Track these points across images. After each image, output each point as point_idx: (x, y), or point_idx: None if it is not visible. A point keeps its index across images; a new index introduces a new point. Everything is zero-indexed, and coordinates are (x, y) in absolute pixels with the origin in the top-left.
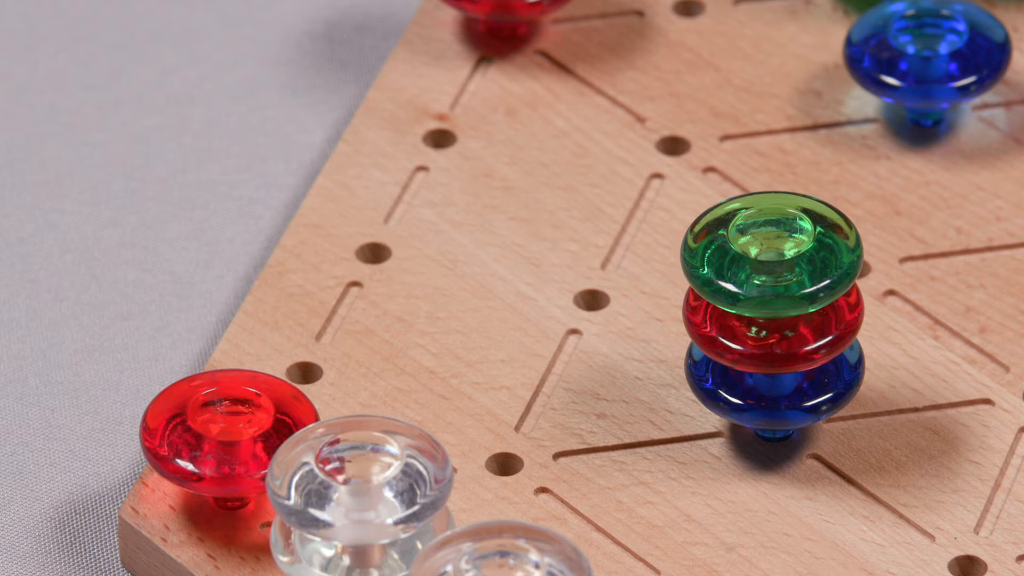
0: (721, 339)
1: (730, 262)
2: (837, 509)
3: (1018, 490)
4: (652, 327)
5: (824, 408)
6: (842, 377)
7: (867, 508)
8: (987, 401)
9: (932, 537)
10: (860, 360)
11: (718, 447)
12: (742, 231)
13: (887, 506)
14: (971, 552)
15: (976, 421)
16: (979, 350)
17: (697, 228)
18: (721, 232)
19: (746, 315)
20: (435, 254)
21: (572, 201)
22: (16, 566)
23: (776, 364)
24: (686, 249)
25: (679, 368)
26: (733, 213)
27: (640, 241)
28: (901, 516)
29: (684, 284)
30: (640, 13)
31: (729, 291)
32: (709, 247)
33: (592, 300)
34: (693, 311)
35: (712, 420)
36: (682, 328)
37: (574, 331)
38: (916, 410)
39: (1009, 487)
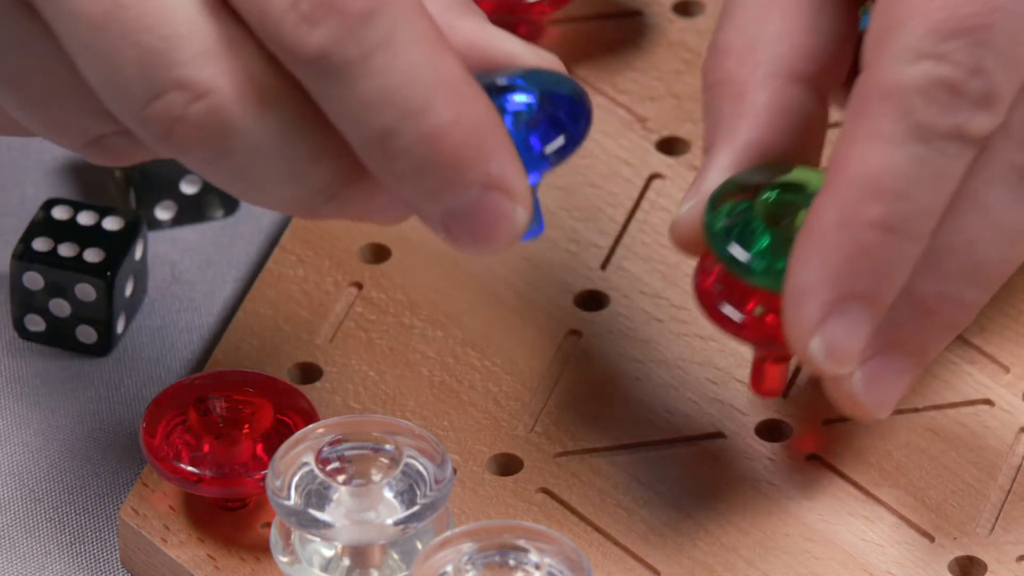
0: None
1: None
2: (837, 509)
3: (1018, 490)
4: (652, 327)
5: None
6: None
7: (867, 508)
8: (987, 401)
9: (932, 537)
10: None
11: (718, 447)
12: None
13: (887, 506)
14: (971, 552)
15: (976, 421)
16: (979, 350)
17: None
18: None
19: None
20: (435, 254)
21: (572, 201)
22: (16, 566)
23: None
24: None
25: (679, 368)
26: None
27: (640, 241)
28: (901, 516)
29: (684, 284)
30: (640, 13)
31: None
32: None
33: (592, 300)
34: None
35: (712, 420)
36: (682, 328)
37: (574, 331)
38: (916, 410)
39: (1009, 487)
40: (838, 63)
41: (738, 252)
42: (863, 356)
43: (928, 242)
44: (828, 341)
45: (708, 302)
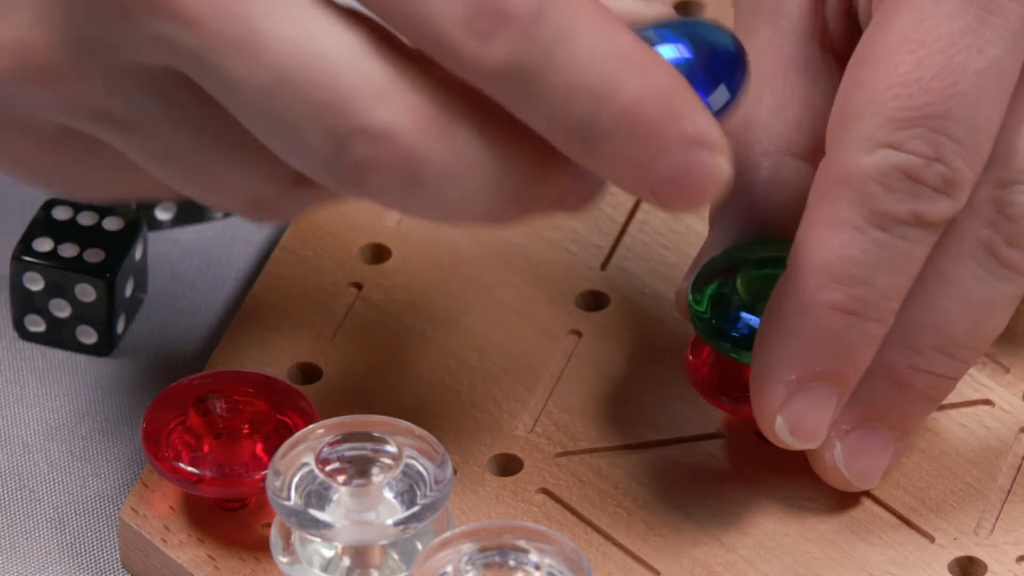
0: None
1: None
2: (837, 509)
3: (1018, 490)
4: (652, 328)
5: None
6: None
7: (867, 508)
8: (987, 401)
9: (932, 538)
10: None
11: (718, 447)
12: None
13: (887, 506)
14: (971, 553)
15: (976, 421)
16: None
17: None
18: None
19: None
20: (435, 254)
21: None
22: (16, 566)
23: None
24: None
25: (679, 368)
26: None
27: (640, 241)
28: (901, 516)
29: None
30: None
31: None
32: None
33: (592, 301)
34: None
35: (712, 421)
36: (682, 328)
37: (574, 332)
38: None
39: (1009, 487)
40: None
41: (722, 333)
42: (844, 429)
43: (899, 319)
44: (792, 420)
45: (702, 382)
